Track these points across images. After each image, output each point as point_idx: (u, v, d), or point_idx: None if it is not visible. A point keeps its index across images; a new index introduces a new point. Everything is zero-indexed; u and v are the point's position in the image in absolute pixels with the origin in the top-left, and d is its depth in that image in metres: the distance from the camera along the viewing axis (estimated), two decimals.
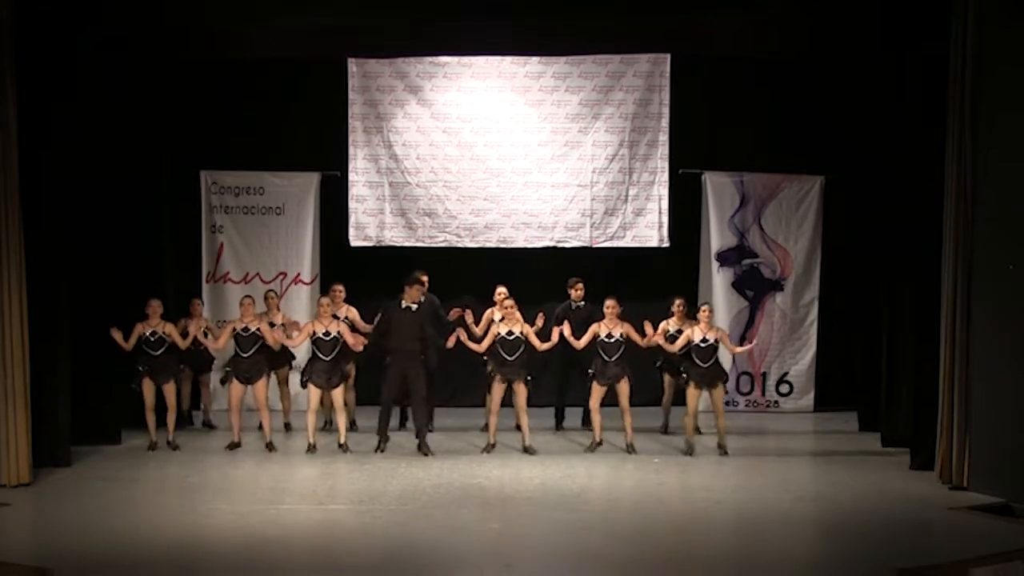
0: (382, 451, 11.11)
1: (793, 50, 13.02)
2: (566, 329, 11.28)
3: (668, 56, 13.35)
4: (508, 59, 13.40)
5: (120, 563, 7.84)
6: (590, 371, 11.24)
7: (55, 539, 8.42)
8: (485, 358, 11.49)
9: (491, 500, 9.49)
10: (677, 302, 11.95)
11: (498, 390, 11.21)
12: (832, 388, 13.70)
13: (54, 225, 10.29)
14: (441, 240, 13.51)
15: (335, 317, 11.41)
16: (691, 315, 11.72)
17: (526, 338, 11.14)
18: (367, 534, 8.59)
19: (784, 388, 13.70)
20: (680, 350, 11.30)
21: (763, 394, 13.68)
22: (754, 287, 13.66)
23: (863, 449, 11.58)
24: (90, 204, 11.21)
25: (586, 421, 12.09)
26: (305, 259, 13.54)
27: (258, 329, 11.24)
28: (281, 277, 13.55)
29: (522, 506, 9.44)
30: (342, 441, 11.11)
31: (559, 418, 12.55)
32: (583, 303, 12.11)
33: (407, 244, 13.52)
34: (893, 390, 11.42)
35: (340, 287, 11.96)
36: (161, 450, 11.26)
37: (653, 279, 13.49)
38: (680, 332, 11.48)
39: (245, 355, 11.21)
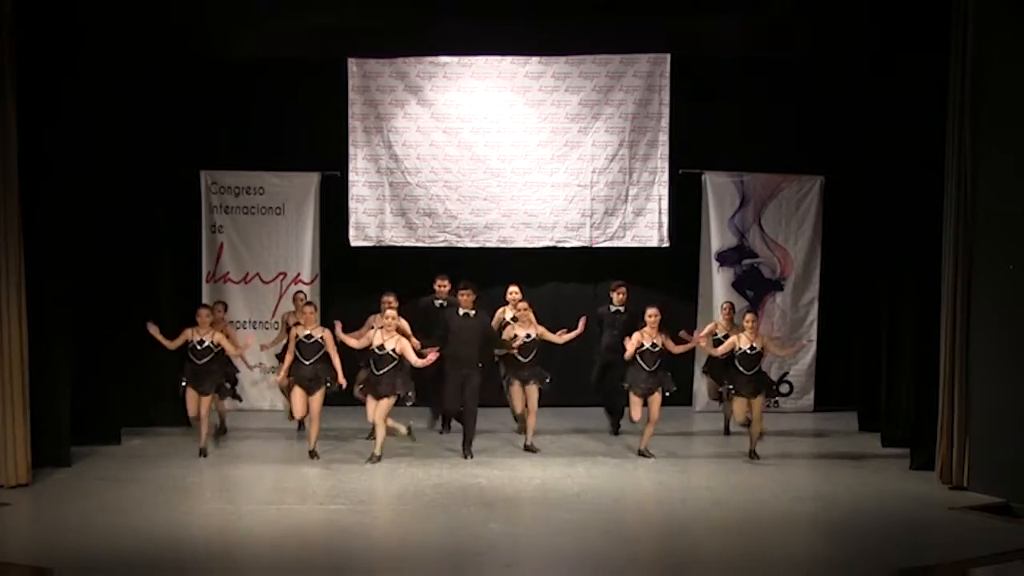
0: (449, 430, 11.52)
1: (793, 50, 13.03)
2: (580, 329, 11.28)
3: (668, 56, 13.33)
4: (508, 59, 13.40)
5: (120, 563, 7.83)
6: (625, 384, 11.06)
7: (55, 539, 8.41)
8: (497, 360, 11.50)
9: (491, 500, 9.49)
10: (724, 305, 12.10)
11: (517, 392, 11.17)
12: (832, 388, 13.70)
13: (54, 225, 10.28)
14: (441, 240, 13.51)
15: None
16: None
17: (540, 339, 11.10)
18: (367, 534, 8.59)
19: (784, 388, 13.69)
20: (723, 355, 11.13)
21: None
22: (754, 287, 13.65)
23: (863, 449, 11.58)
24: (90, 204, 11.22)
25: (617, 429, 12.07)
26: (305, 259, 13.52)
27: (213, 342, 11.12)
28: (281, 277, 13.55)
29: (522, 506, 9.45)
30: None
31: (616, 423, 12.20)
32: (624, 308, 11.92)
33: (407, 244, 13.51)
34: (893, 390, 11.41)
35: (391, 298, 11.28)
36: (172, 454, 11.13)
37: (653, 279, 13.50)
38: (727, 336, 11.36)
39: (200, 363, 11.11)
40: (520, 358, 11.11)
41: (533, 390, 11.17)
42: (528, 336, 11.13)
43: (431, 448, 11.30)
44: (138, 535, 8.39)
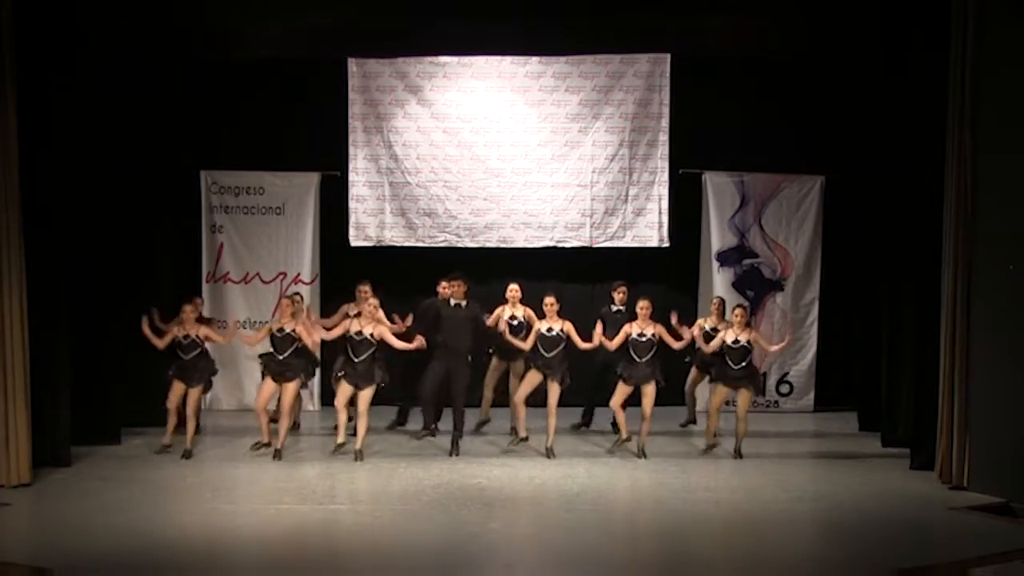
0: (432, 436, 11.30)
1: (793, 50, 13.04)
2: (598, 328, 11.14)
3: (668, 56, 13.35)
4: (508, 59, 13.41)
5: (120, 563, 7.83)
6: (618, 370, 11.05)
7: (55, 539, 8.41)
8: (491, 350, 11.63)
9: (491, 500, 9.49)
10: (715, 300, 12.11)
11: (529, 381, 11.05)
12: (832, 388, 13.71)
13: (54, 225, 10.27)
14: (441, 240, 13.52)
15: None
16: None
17: (567, 336, 11.01)
18: (367, 534, 8.59)
19: (784, 388, 13.70)
20: (713, 351, 11.18)
21: (763, 394, 13.66)
22: (754, 287, 13.66)
23: (863, 449, 11.58)
24: (90, 204, 11.23)
25: (614, 423, 11.95)
26: (305, 259, 13.54)
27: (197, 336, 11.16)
28: (281, 277, 13.56)
29: (522, 506, 9.45)
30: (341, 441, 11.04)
31: (587, 418, 12.34)
32: (625, 308, 11.79)
33: (407, 244, 13.53)
34: (893, 390, 11.41)
35: (367, 287, 11.45)
36: (168, 454, 11.09)
37: (653, 279, 13.50)
38: (716, 331, 11.43)
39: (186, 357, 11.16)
40: (543, 351, 10.97)
41: (555, 389, 10.97)
42: (550, 330, 10.99)
43: (431, 448, 11.29)
44: (138, 535, 8.40)
